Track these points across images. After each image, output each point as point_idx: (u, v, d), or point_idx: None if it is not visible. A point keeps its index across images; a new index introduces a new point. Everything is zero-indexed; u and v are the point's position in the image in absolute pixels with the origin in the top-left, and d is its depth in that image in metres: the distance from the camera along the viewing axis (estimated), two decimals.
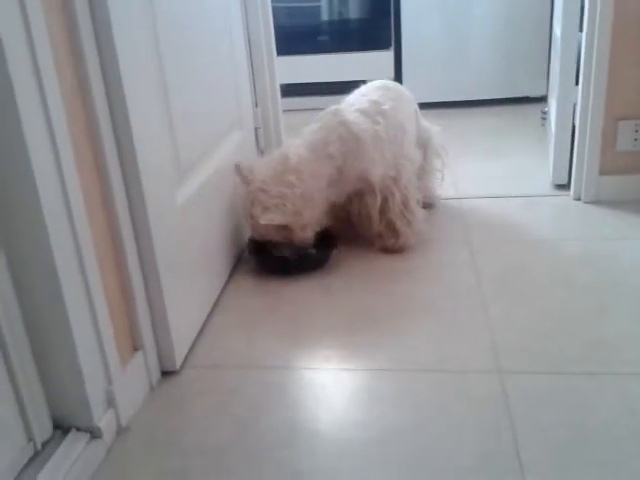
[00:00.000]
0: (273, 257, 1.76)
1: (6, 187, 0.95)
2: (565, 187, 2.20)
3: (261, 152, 2.19)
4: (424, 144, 2.10)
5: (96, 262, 1.10)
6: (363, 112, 1.78)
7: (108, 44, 1.09)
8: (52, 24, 0.98)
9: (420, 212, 1.88)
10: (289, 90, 3.65)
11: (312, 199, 1.68)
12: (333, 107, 1.79)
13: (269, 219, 1.63)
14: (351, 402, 1.24)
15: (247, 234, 1.83)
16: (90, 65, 1.07)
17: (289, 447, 1.13)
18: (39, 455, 1.06)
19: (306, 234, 1.70)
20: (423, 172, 2.10)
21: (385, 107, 1.82)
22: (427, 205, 2.07)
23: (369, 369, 1.34)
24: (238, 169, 1.71)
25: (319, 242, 1.77)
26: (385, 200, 1.81)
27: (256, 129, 2.12)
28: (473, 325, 1.46)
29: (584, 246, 1.81)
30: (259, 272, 1.78)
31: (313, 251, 1.76)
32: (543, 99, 3.26)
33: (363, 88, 1.96)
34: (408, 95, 2.07)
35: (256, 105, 2.16)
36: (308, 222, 1.69)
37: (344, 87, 3.83)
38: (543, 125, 2.89)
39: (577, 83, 2.06)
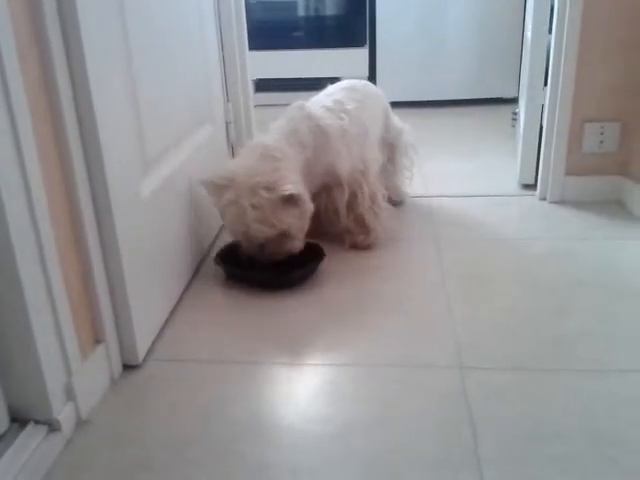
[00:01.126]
0: (255, 277, 1.65)
1: None
2: (532, 187, 2.24)
3: (231, 146, 2.18)
4: (393, 142, 2.11)
5: (57, 253, 1.08)
6: (328, 109, 1.79)
7: (74, 33, 1.08)
8: (15, 9, 0.96)
9: (387, 208, 1.89)
10: (264, 85, 3.66)
11: (297, 174, 1.64)
12: (298, 102, 1.79)
13: (292, 188, 1.52)
14: (315, 396, 1.24)
15: (210, 242, 1.77)
16: (55, 54, 1.05)
17: (253, 440, 1.13)
18: None
19: (311, 206, 1.63)
20: (392, 170, 2.12)
21: (348, 107, 1.82)
22: (396, 203, 2.10)
23: (334, 364, 1.34)
24: (210, 183, 1.60)
25: (302, 252, 1.67)
26: (354, 195, 1.81)
27: (227, 123, 2.11)
28: (437, 322, 1.47)
29: (547, 245, 1.84)
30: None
31: (298, 271, 1.65)
32: (515, 100, 3.31)
33: (329, 88, 1.97)
34: (377, 94, 2.07)
35: (227, 99, 2.15)
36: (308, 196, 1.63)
37: (318, 83, 3.83)
38: (514, 126, 2.93)
39: (545, 85, 2.09)
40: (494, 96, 3.54)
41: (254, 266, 1.64)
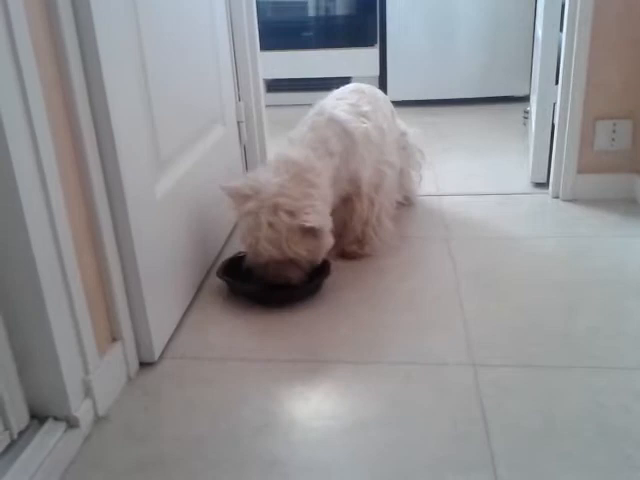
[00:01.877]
0: (252, 291, 1.59)
1: None
2: (544, 185, 2.24)
3: (243, 147, 2.20)
4: (402, 145, 2.08)
5: (74, 253, 1.10)
6: (348, 112, 1.70)
7: (89, 35, 1.09)
8: (31, 10, 0.98)
9: (391, 227, 1.84)
10: (274, 85, 3.67)
11: (327, 201, 1.56)
12: (316, 106, 1.72)
13: (313, 221, 1.44)
14: (327, 393, 1.26)
15: (223, 243, 1.73)
16: (70, 57, 1.07)
17: (266, 436, 1.14)
18: (15, 444, 1.06)
19: (331, 241, 1.55)
20: (401, 172, 2.08)
21: (365, 109, 1.76)
22: (406, 203, 2.11)
23: (345, 361, 1.35)
24: (234, 189, 1.52)
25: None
26: (369, 207, 1.76)
27: (239, 123, 2.13)
28: (449, 319, 1.48)
29: (559, 243, 1.85)
30: None
31: (300, 288, 1.57)
32: (526, 99, 3.30)
33: (337, 92, 1.88)
34: (383, 97, 2.02)
35: (239, 99, 2.16)
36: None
37: (329, 83, 3.85)
38: (525, 124, 2.93)
39: (557, 83, 2.09)
40: (505, 94, 3.53)
41: (254, 279, 1.57)
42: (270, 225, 1.44)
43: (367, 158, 1.68)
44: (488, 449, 1.09)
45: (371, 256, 1.78)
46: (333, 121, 1.63)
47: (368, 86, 1.98)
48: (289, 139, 1.63)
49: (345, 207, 1.73)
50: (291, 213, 1.44)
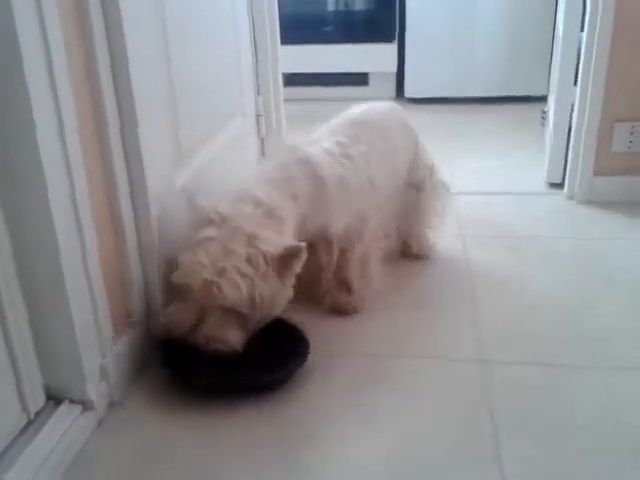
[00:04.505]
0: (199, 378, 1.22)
1: (14, 170, 0.98)
2: (559, 186, 2.23)
3: (261, 140, 2.21)
4: (420, 184, 1.73)
5: (96, 241, 1.12)
6: (328, 152, 1.42)
7: (116, 26, 1.12)
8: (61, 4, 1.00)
9: (379, 270, 1.57)
10: (292, 79, 3.68)
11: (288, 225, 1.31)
12: (290, 142, 1.46)
13: (295, 245, 1.21)
14: (343, 384, 1.27)
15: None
16: (98, 48, 1.10)
17: (279, 421, 1.17)
18: (32, 424, 1.09)
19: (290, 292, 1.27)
20: (416, 217, 1.75)
21: (352, 152, 1.45)
22: (419, 256, 1.78)
23: (360, 354, 1.37)
24: (199, 208, 1.26)
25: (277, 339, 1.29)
26: (343, 254, 1.50)
27: (257, 117, 2.14)
28: (462, 317, 1.49)
29: (574, 244, 1.84)
30: None
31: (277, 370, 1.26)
32: (544, 99, 3.28)
33: (334, 122, 1.56)
34: (400, 127, 1.66)
35: (258, 93, 2.18)
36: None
37: (347, 78, 3.85)
38: (543, 125, 2.91)
39: (576, 83, 2.08)
40: (524, 94, 3.52)
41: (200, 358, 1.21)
42: (247, 257, 1.17)
43: (342, 209, 1.41)
44: (495, 443, 1.10)
45: (359, 310, 1.53)
46: (304, 162, 1.36)
47: (381, 112, 1.64)
48: (254, 175, 1.38)
49: (312, 254, 1.36)
50: (270, 244, 1.19)
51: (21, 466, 1.01)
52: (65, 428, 1.10)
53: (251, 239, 1.18)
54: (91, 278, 1.11)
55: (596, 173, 2.10)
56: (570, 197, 2.15)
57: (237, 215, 1.21)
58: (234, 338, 1.20)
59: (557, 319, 1.47)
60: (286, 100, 2.37)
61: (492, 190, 2.27)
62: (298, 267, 1.22)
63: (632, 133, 2.05)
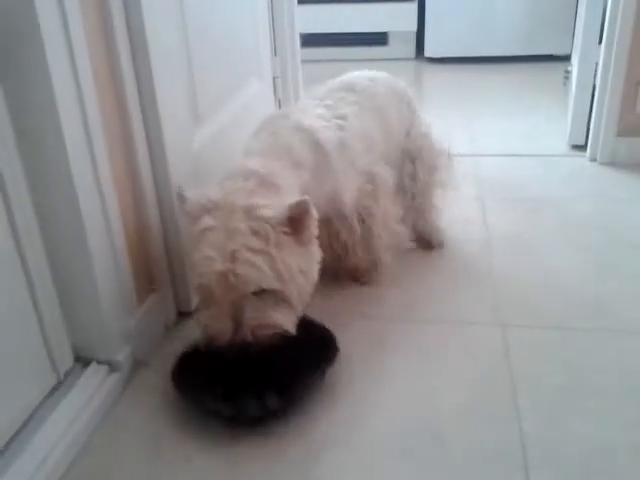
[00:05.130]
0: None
1: (37, 140, 0.99)
2: (582, 148, 2.20)
3: (278, 102, 2.20)
4: (416, 153, 1.59)
5: (118, 207, 1.14)
6: (320, 116, 1.35)
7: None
8: None
9: (402, 229, 1.51)
10: (309, 40, 3.63)
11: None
12: (278, 111, 1.38)
13: (299, 201, 1.07)
14: (360, 347, 1.29)
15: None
16: (115, 11, 1.10)
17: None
18: (62, 384, 1.13)
19: (319, 251, 1.17)
20: (421, 200, 1.62)
21: (345, 111, 1.38)
22: (429, 245, 1.65)
23: (378, 317, 1.39)
24: (187, 200, 1.12)
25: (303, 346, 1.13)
26: (364, 222, 1.42)
27: (274, 79, 2.12)
28: (480, 280, 1.49)
29: (595, 206, 1.83)
30: None
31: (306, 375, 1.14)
32: (567, 58, 3.21)
33: (318, 89, 1.49)
34: (389, 93, 1.53)
35: (275, 54, 2.15)
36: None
37: (366, 38, 3.79)
38: (565, 85, 2.86)
39: (600, 42, 2.03)
40: (546, 53, 3.44)
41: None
42: (252, 231, 1.04)
43: (348, 173, 1.34)
44: (514, 403, 1.12)
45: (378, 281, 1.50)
46: (300, 129, 1.27)
47: (368, 77, 1.53)
48: (245, 150, 1.28)
49: (326, 231, 1.37)
50: (271, 208, 1.06)
51: (52, 423, 1.05)
52: (94, 388, 1.14)
53: (249, 211, 1.05)
54: (114, 242, 1.13)
55: (619, 134, 2.07)
56: (592, 159, 2.13)
57: (228, 194, 1.09)
58: (282, 319, 1.07)
59: (574, 282, 1.47)
60: (303, 61, 2.34)
61: (513, 152, 2.25)
62: (313, 224, 1.10)
63: None
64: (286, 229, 1.06)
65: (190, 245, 1.12)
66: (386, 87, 1.54)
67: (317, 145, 1.27)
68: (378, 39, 3.64)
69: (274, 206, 1.07)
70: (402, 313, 1.40)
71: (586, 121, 2.17)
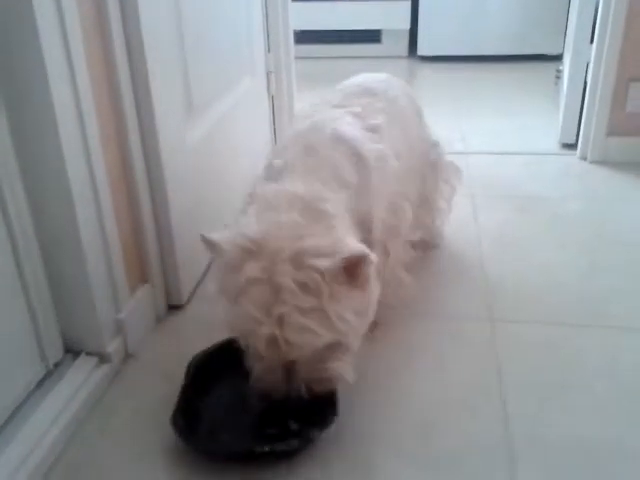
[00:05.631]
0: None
1: (27, 120, 0.99)
2: (572, 147, 2.22)
3: (272, 98, 2.20)
4: (428, 165, 1.50)
5: (109, 194, 1.14)
6: (354, 127, 1.19)
7: None
8: None
9: (408, 279, 1.30)
10: (303, 37, 3.63)
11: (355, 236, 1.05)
12: (305, 121, 1.19)
13: (357, 247, 0.93)
14: None
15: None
16: (110, 4, 1.10)
17: None
18: (51, 375, 1.13)
19: (378, 288, 1.03)
20: (425, 203, 1.50)
21: (376, 122, 1.22)
22: (426, 246, 1.58)
23: None
24: (223, 246, 0.94)
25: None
26: (383, 258, 1.21)
27: (268, 73, 2.12)
28: (470, 276, 1.50)
29: (584, 204, 1.84)
30: None
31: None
32: (559, 58, 3.23)
33: (333, 93, 1.34)
34: (404, 94, 1.43)
35: (269, 50, 2.16)
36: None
37: (359, 35, 3.79)
38: (557, 84, 2.88)
39: (592, 41, 2.05)
40: (538, 52, 3.46)
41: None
42: (300, 286, 0.88)
43: (383, 192, 1.17)
44: (499, 394, 1.13)
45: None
46: (339, 140, 1.12)
47: (382, 80, 1.42)
48: (273, 166, 1.10)
49: None
50: (324, 255, 0.90)
51: (41, 413, 1.05)
52: (83, 379, 1.14)
53: (298, 258, 0.89)
54: (106, 234, 1.13)
55: (609, 133, 2.09)
56: (583, 157, 2.14)
57: (271, 232, 0.92)
58: (339, 369, 0.97)
59: (564, 278, 1.48)
60: (297, 58, 2.34)
61: (504, 150, 2.26)
62: (371, 271, 0.95)
63: None
64: (340, 278, 0.91)
65: (227, 291, 0.95)
66: (401, 89, 1.43)
67: (360, 158, 1.12)
68: (371, 37, 3.65)
69: (325, 249, 0.91)
70: (394, 309, 1.40)
71: (577, 120, 2.19)
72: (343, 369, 0.97)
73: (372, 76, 1.43)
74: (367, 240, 1.09)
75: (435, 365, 1.22)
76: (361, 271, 0.92)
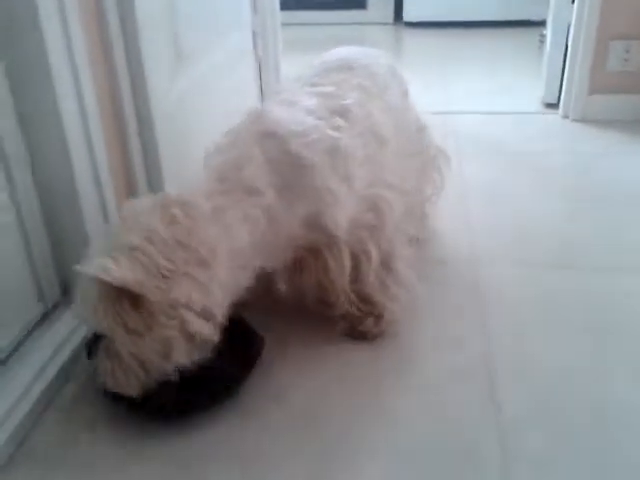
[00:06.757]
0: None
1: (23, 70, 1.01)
2: (555, 106, 2.26)
3: (259, 60, 2.21)
4: (417, 147, 1.38)
5: (104, 147, 1.18)
6: (310, 111, 1.07)
7: None
8: None
9: (410, 274, 1.19)
10: (288, 3, 3.61)
11: (214, 261, 0.91)
12: (255, 107, 1.09)
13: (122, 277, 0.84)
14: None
15: None
16: None
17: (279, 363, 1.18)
18: (49, 315, 1.16)
19: (203, 330, 0.91)
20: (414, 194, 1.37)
21: (347, 102, 1.11)
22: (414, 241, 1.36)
23: None
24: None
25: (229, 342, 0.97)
26: (356, 259, 1.10)
27: (254, 34, 2.14)
28: (456, 226, 1.55)
29: (565, 160, 1.90)
30: None
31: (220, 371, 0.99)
32: (543, 23, 3.26)
33: (311, 69, 1.24)
34: (387, 69, 1.31)
35: (255, 12, 2.16)
36: (212, 304, 0.91)
37: (345, 2, 3.76)
38: (540, 48, 2.91)
39: (573, 1, 2.08)
40: (523, 18, 3.48)
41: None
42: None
43: (341, 191, 1.04)
44: (483, 329, 1.19)
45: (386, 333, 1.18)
46: (269, 136, 1.01)
47: (367, 55, 1.31)
48: (206, 152, 1.05)
49: (315, 262, 1.09)
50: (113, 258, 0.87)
51: (41, 349, 1.09)
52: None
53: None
54: (100, 182, 1.17)
55: (591, 92, 2.13)
56: (565, 116, 2.19)
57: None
58: (213, 335, 0.93)
59: (544, 224, 1.54)
60: (283, 24, 2.35)
61: (488, 110, 2.30)
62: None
63: (627, 51, 2.06)
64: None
65: None
66: (387, 69, 1.30)
67: (289, 155, 1.00)
68: (357, 2, 3.65)
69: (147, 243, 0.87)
70: None
71: (559, 80, 2.23)
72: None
73: (356, 50, 1.32)
74: (327, 243, 1.06)
75: (421, 304, 1.26)
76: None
